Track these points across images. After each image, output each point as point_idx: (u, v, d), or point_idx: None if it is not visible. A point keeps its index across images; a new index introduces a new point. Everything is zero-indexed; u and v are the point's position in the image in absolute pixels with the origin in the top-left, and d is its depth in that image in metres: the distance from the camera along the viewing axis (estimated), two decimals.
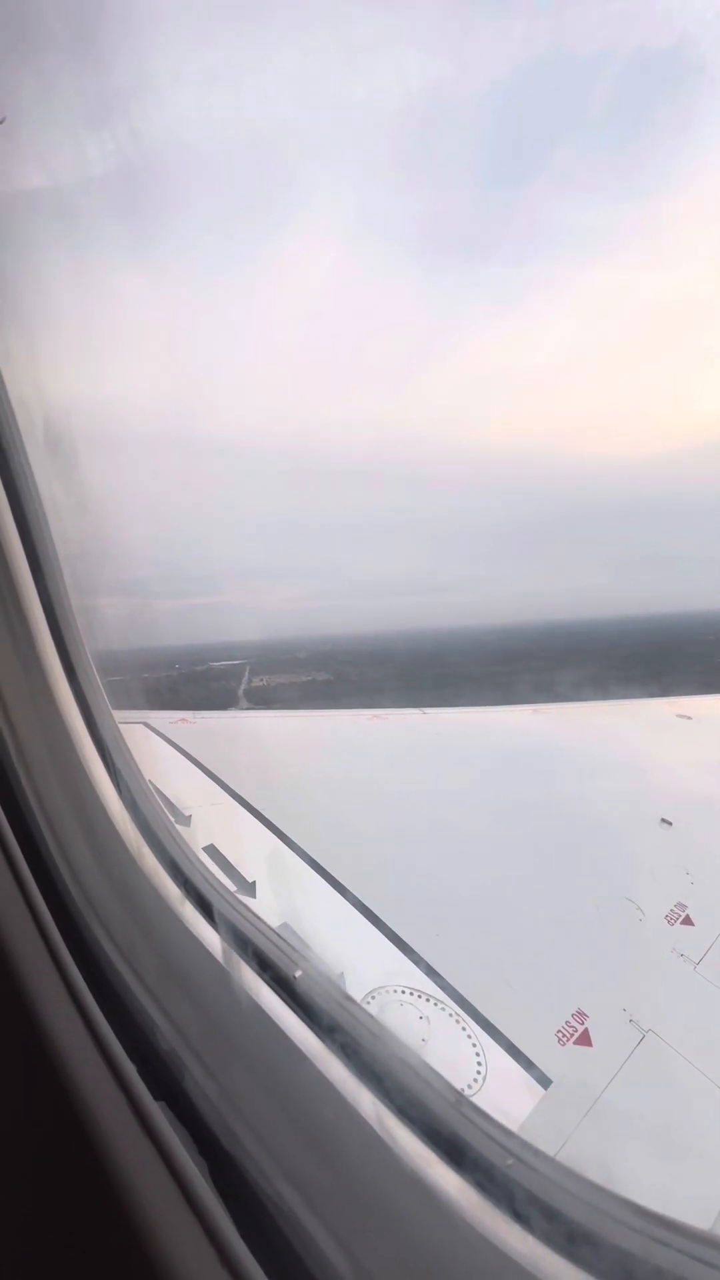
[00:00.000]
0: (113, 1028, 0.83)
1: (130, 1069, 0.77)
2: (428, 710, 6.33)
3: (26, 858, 1.07)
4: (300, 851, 3.20)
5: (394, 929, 2.77)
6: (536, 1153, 0.69)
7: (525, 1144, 0.69)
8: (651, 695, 7.59)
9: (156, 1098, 0.75)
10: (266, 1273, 0.60)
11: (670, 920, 3.24)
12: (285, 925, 2.50)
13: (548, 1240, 0.58)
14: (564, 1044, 2.44)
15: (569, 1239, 0.58)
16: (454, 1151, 0.69)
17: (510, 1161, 0.65)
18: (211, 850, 3.04)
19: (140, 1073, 0.77)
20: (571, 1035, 2.48)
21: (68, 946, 0.94)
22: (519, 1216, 0.61)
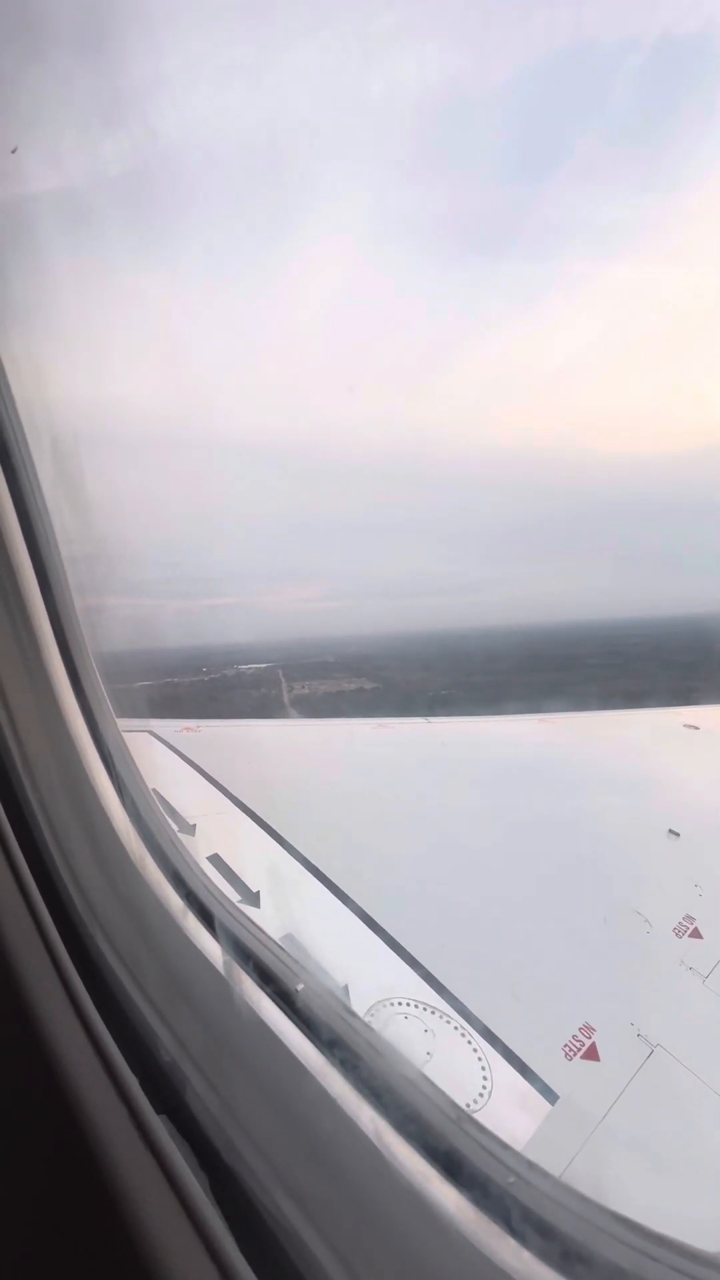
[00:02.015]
0: (115, 1039, 0.83)
1: (132, 1081, 0.77)
2: (433, 720, 6.32)
3: (31, 867, 1.07)
4: (304, 862, 3.19)
5: (399, 941, 2.76)
6: (538, 1170, 0.68)
7: (526, 1161, 0.69)
8: (659, 705, 7.55)
9: (158, 1111, 0.75)
10: None
11: (678, 933, 3.21)
12: (289, 936, 2.49)
13: (545, 1257, 0.58)
14: (571, 1059, 2.41)
15: (565, 1256, 0.58)
16: (454, 1167, 0.68)
17: (511, 1179, 0.65)
18: (216, 860, 3.04)
19: (142, 1085, 0.77)
20: (579, 1050, 2.45)
21: (71, 957, 0.94)
22: (518, 1233, 0.60)
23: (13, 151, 0.99)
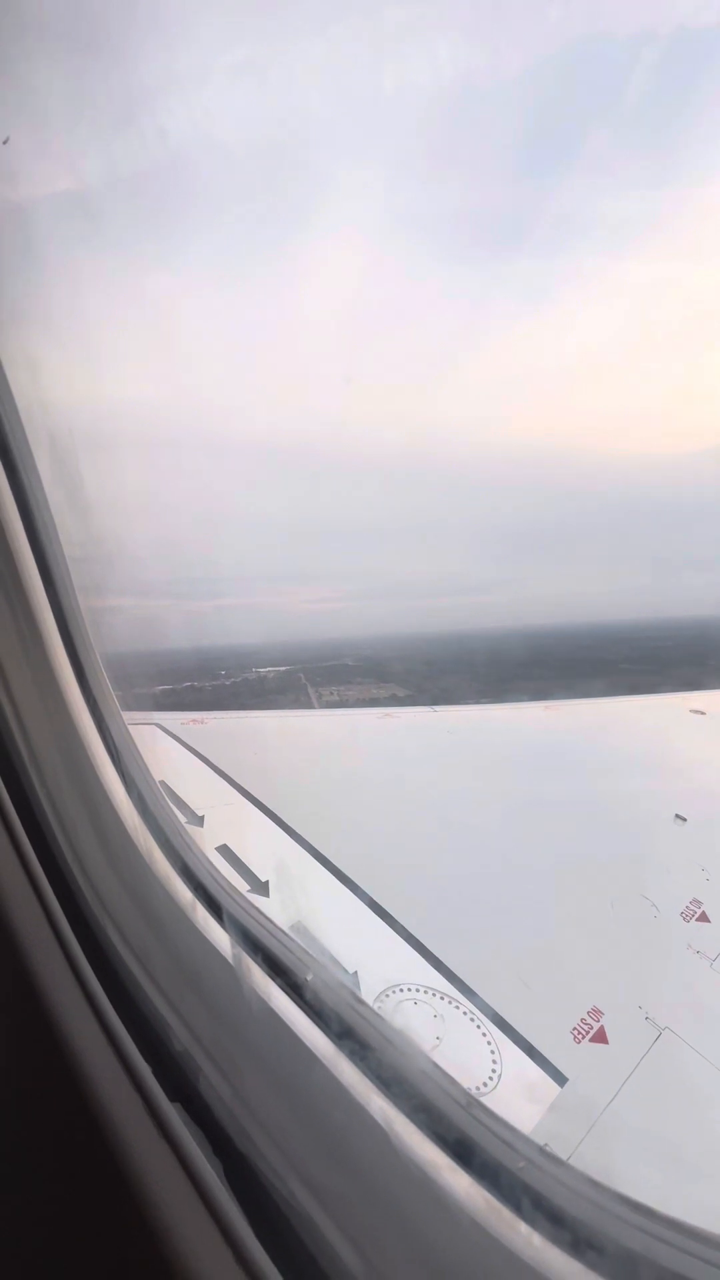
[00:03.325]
0: (128, 1030, 0.84)
1: (146, 1070, 0.78)
2: (438, 708, 6.33)
3: (40, 862, 1.08)
4: (312, 850, 3.21)
5: (408, 927, 2.78)
6: (547, 1155, 0.69)
7: (536, 1146, 0.70)
8: (665, 691, 7.51)
9: (171, 1099, 0.76)
10: (280, 1272, 0.60)
11: (686, 917, 3.22)
12: (299, 924, 2.51)
13: (555, 1241, 0.58)
14: (580, 1041, 2.43)
15: (576, 1240, 0.58)
16: (464, 1153, 0.69)
17: (521, 1164, 0.66)
18: (225, 850, 3.06)
19: (155, 1074, 0.78)
20: (587, 1033, 2.47)
21: (82, 949, 0.95)
22: (528, 1218, 0.61)
23: (4, 142, 0.97)
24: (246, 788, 3.72)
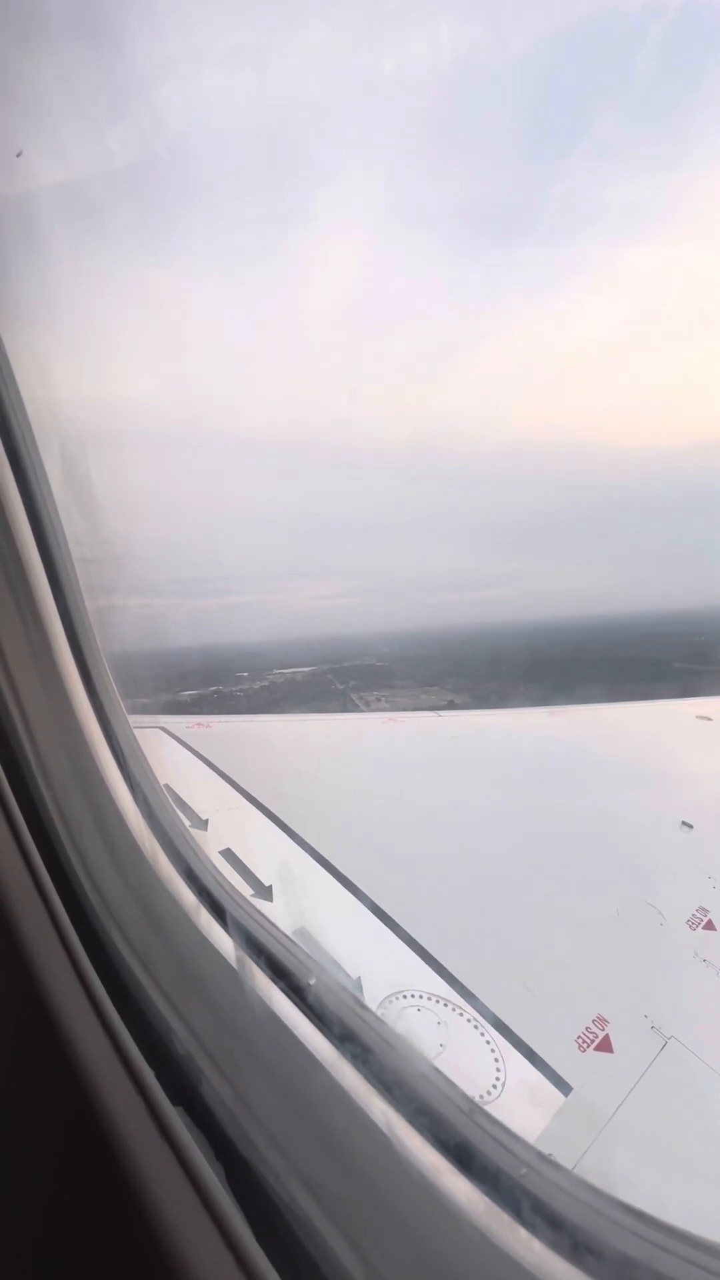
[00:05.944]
0: (131, 1033, 0.84)
1: (148, 1074, 0.78)
2: (443, 714, 6.32)
3: (46, 863, 1.09)
4: (316, 855, 3.21)
5: (411, 933, 2.77)
6: (549, 1162, 0.69)
7: (538, 1153, 0.70)
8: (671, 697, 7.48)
9: (174, 1103, 0.76)
10: (282, 1276, 0.60)
11: (692, 925, 3.20)
12: (302, 929, 2.51)
13: (556, 1248, 0.58)
14: (584, 1050, 2.42)
15: (576, 1246, 0.58)
16: (465, 1159, 0.69)
17: (523, 1171, 0.66)
18: (228, 854, 3.06)
19: (158, 1078, 0.78)
20: (592, 1041, 2.46)
21: (87, 952, 0.96)
22: (529, 1224, 0.61)
23: (18, 155, 0.99)
24: (250, 792, 3.72)
